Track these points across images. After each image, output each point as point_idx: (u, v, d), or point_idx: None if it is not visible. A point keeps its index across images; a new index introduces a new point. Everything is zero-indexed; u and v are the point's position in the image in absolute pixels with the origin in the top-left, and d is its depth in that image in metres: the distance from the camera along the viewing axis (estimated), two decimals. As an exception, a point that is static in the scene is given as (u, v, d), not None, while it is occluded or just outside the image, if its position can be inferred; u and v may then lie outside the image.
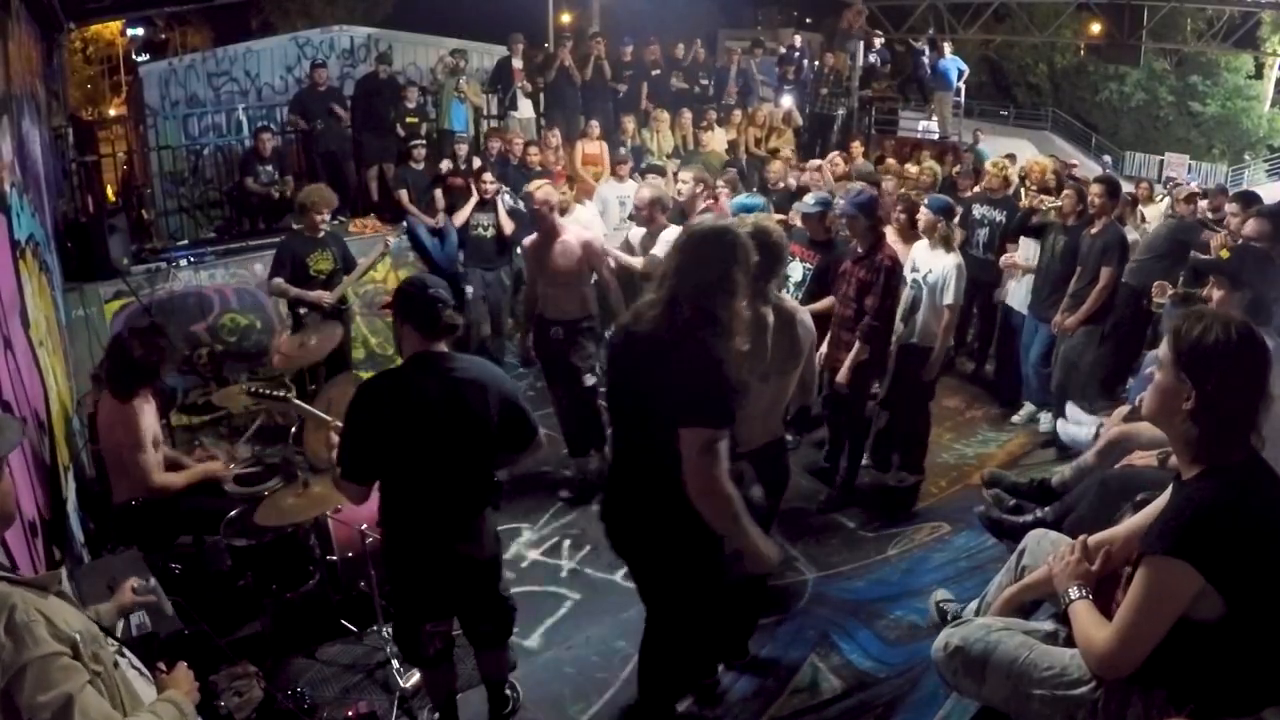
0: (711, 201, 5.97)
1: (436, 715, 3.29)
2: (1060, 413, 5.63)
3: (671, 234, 4.62)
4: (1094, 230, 5.35)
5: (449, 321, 2.78)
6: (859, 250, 4.69)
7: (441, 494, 2.83)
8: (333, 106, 8.71)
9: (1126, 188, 7.98)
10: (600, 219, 7.04)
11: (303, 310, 5.53)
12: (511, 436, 2.91)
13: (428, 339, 2.79)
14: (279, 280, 5.45)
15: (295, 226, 5.67)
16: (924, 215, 5.07)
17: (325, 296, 5.48)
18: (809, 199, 5.53)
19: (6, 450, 1.73)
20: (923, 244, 5.10)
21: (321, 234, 5.55)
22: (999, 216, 6.38)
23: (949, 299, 4.83)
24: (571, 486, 5.18)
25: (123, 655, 1.94)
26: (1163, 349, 1.95)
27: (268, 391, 4.14)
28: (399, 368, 2.85)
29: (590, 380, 4.98)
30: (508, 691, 3.42)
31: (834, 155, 8.99)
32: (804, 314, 3.32)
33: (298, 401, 3.95)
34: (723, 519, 2.44)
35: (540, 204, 4.85)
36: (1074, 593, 2.18)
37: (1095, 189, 5.39)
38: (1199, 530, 1.81)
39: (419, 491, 2.82)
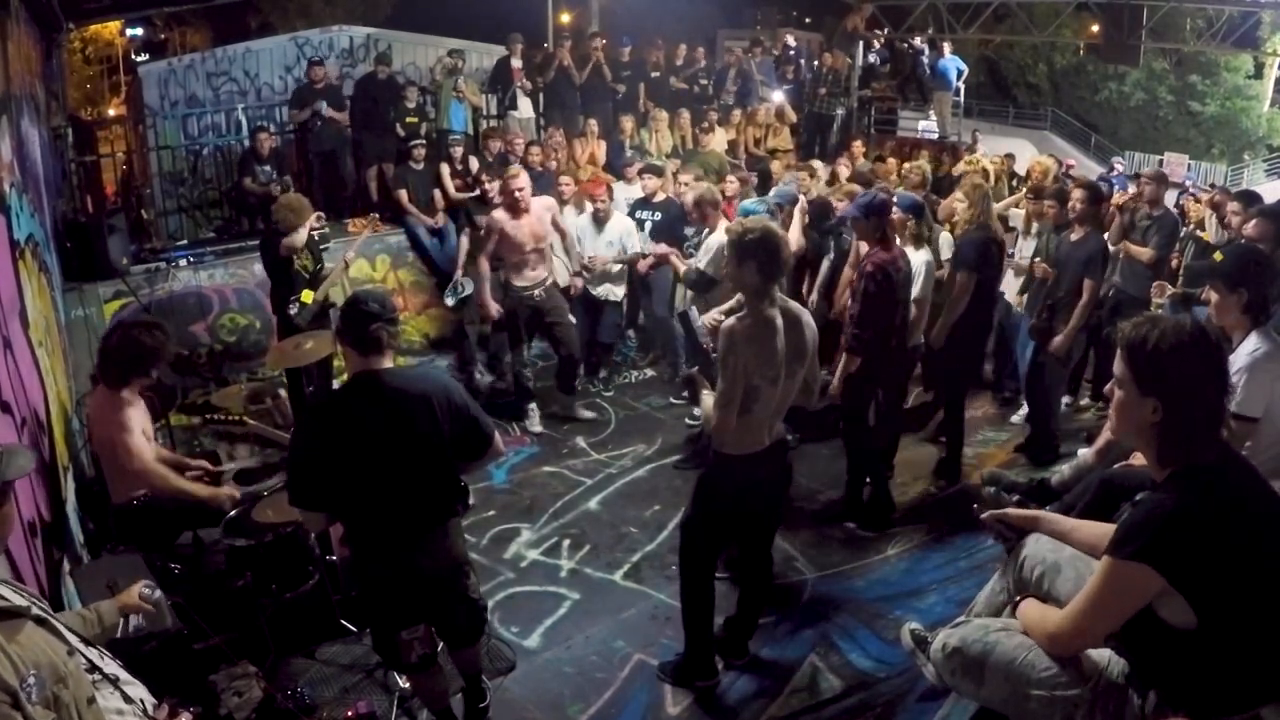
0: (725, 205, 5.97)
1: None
2: (1037, 412, 5.63)
3: (719, 238, 5.07)
4: (1075, 237, 5.28)
5: (375, 335, 2.72)
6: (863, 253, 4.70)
7: (399, 514, 2.80)
8: (326, 109, 8.65)
9: (1132, 188, 7.98)
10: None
11: (292, 310, 5.41)
12: (465, 445, 2.89)
13: (363, 356, 2.74)
14: (287, 239, 5.34)
15: (279, 230, 5.48)
16: (894, 214, 5.07)
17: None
18: (771, 194, 5.59)
19: (15, 476, 1.72)
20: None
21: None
22: None
23: (916, 293, 4.83)
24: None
25: (114, 682, 1.87)
26: (1118, 366, 1.94)
27: (222, 417, 4.15)
28: (340, 394, 2.82)
29: (573, 320, 6.14)
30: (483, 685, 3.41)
31: (843, 158, 9.02)
32: (807, 315, 3.32)
33: (253, 423, 3.99)
34: None
35: (521, 187, 5.64)
36: None
37: (1077, 194, 5.28)
38: (1159, 536, 1.82)
39: (374, 514, 2.80)
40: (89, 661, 1.80)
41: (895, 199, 5.24)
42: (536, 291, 5.86)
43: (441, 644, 3.22)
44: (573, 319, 6.11)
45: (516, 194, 5.63)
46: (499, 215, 5.79)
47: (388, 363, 2.81)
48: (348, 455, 2.68)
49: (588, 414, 6.16)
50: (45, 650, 1.60)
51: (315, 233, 6.10)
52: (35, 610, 1.67)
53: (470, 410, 2.89)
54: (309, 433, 2.78)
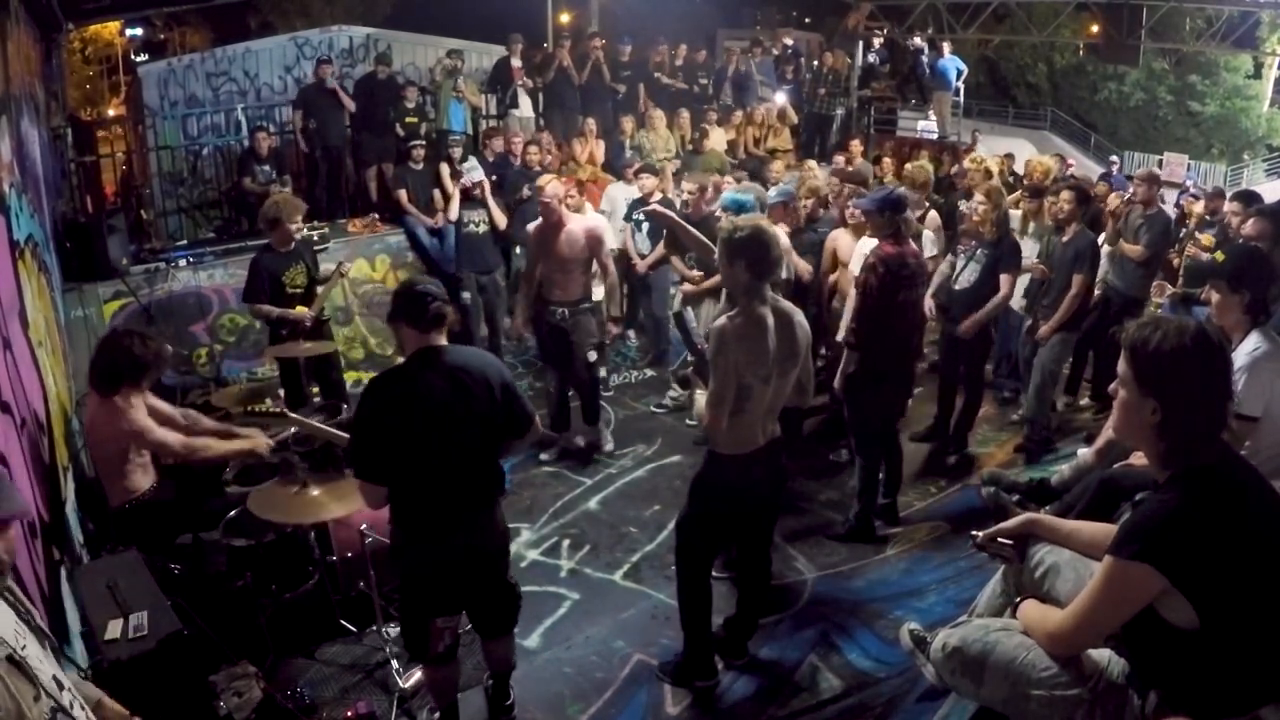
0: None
1: (437, 716, 3.28)
2: (1031, 414, 5.62)
3: None
4: (1065, 237, 5.31)
5: (437, 312, 2.83)
6: None
7: (455, 490, 2.86)
8: (339, 97, 8.64)
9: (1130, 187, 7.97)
10: (607, 222, 6.99)
11: (284, 330, 5.28)
12: (512, 422, 2.96)
13: (423, 333, 2.85)
14: (260, 306, 5.22)
15: (266, 241, 5.37)
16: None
17: (307, 314, 5.28)
18: (772, 191, 5.55)
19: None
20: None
21: (293, 246, 5.33)
22: None
23: None
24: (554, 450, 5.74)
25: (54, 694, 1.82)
26: (1121, 366, 1.94)
27: (263, 410, 4.12)
28: (404, 366, 2.88)
29: (593, 356, 5.50)
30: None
31: (841, 158, 9.00)
32: (799, 314, 3.32)
33: (295, 415, 3.97)
34: None
35: (549, 197, 5.24)
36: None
37: (1064, 196, 5.32)
38: (1161, 536, 1.82)
39: (432, 488, 2.84)
40: (55, 703, 1.75)
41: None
42: (560, 311, 5.37)
43: (460, 639, 3.20)
44: (593, 355, 5.48)
45: (542, 202, 5.26)
46: (536, 223, 5.45)
47: (444, 341, 2.89)
48: (414, 424, 2.74)
49: (610, 445, 5.80)
50: (5, 696, 1.58)
51: (315, 233, 6.09)
52: (7, 652, 1.64)
53: (514, 389, 2.98)
54: (376, 401, 2.81)
